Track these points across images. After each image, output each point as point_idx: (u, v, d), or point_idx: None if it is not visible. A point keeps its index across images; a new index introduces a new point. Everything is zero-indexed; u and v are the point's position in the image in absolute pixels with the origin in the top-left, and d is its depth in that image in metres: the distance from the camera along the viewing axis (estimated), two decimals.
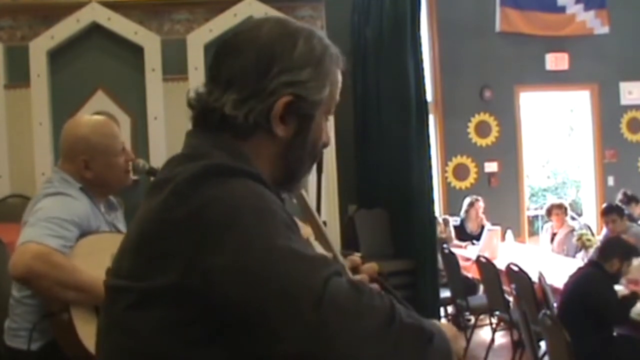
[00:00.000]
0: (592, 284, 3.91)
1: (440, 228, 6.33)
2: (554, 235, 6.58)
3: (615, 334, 3.95)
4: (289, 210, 0.97)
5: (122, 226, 2.25)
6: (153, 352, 0.91)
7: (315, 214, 1.23)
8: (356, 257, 1.18)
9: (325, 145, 1.12)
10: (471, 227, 6.71)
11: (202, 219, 0.89)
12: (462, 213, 6.82)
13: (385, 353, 0.86)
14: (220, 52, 1.07)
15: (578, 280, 4.03)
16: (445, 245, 5.80)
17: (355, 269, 1.21)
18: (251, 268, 0.85)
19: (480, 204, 6.76)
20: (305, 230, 1.08)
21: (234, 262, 0.86)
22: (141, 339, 0.91)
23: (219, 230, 0.88)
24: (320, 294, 0.84)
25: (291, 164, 1.08)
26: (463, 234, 6.69)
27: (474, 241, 6.43)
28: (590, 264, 4.26)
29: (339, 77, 1.10)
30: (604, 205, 6.11)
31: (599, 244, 5.54)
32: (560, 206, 6.65)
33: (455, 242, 6.41)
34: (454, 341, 0.99)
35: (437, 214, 5.90)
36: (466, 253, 6.20)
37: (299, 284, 0.85)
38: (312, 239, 1.17)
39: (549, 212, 6.66)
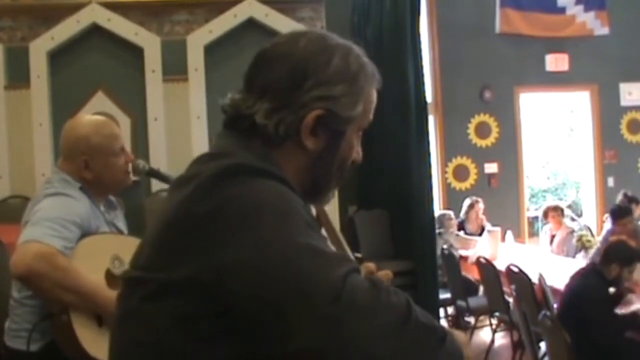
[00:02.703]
0: (590, 293, 3.85)
1: (450, 223, 6.30)
2: (553, 237, 6.57)
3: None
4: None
5: (121, 225, 2.25)
6: (166, 344, 0.92)
7: (329, 217, 1.24)
8: (371, 264, 1.18)
9: (356, 162, 1.14)
10: (471, 228, 6.70)
11: (222, 216, 0.90)
12: (462, 214, 6.81)
13: (400, 350, 0.87)
14: (257, 60, 1.08)
15: (577, 286, 3.99)
16: (444, 247, 5.80)
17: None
18: (268, 264, 0.87)
19: (480, 205, 6.75)
20: None
21: (251, 258, 0.87)
22: (154, 330, 0.92)
23: (238, 228, 0.89)
24: (338, 290, 0.85)
25: (318, 177, 1.09)
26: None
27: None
28: (591, 268, 4.19)
29: (374, 96, 1.12)
30: (614, 207, 6.00)
31: (599, 245, 5.54)
32: (555, 208, 6.63)
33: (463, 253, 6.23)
34: (465, 346, 1.00)
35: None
36: (466, 253, 6.19)
37: (317, 280, 0.86)
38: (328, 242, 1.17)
39: (545, 214, 6.65)
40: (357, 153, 1.14)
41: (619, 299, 3.99)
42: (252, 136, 1.04)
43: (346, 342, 0.84)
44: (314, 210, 1.21)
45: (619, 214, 5.71)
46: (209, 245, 0.89)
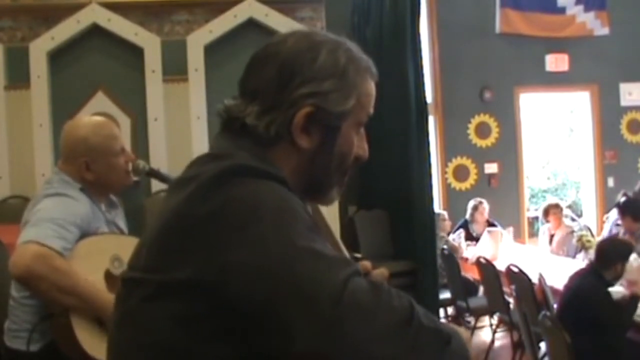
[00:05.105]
0: (588, 294, 3.85)
1: (444, 224, 6.28)
2: (552, 236, 6.55)
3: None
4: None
5: (122, 224, 2.26)
6: (165, 345, 0.91)
7: (325, 219, 1.23)
8: (367, 262, 1.18)
9: (360, 158, 1.12)
10: (477, 229, 6.65)
11: (222, 217, 0.90)
12: (467, 216, 6.77)
13: (402, 353, 0.86)
14: (249, 64, 1.08)
15: (576, 286, 3.99)
16: (445, 247, 5.79)
17: (365, 275, 1.21)
18: (269, 266, 0.86)
19: (485, 206, 6.70)
20: None
21: (252, 259, 0.87)
22: (154, 331, 0.92)
23: (239, 229, 0.88)
24: (339, 293, 0.85)
25: (317, 175, 1.07)
26: (468, 236, 6.64)
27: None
28: (590, 268, 4.17)
29: (370, 89, 1.09)
30: (622, 202, 5.94)
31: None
32: (557, 206, 6.60)
33: (464, 254, 6.24)
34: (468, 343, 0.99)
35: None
36: (467, 254, 6.18)
37: (318, 283, 0.85)
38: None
39: (546, 212, 6.59)
40: (362, 149, 1.11)
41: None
42: (245, 137, 1.03)
43: (347, 345, 0.84)
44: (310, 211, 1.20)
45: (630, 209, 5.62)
46: (210, 247, 0.89)
